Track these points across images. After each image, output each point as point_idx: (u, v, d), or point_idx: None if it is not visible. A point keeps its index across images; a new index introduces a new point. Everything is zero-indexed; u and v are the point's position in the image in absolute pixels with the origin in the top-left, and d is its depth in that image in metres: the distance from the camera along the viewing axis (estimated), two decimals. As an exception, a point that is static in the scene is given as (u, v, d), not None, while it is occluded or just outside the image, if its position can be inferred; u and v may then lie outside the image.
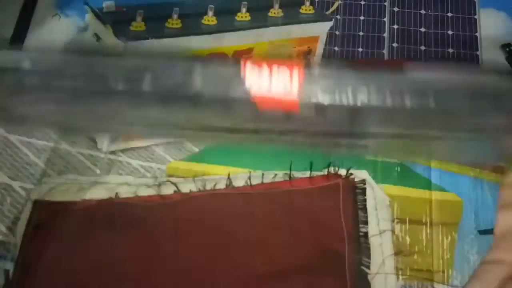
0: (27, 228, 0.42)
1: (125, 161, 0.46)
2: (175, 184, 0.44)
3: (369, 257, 0.41)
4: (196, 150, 0.46)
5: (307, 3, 0.52)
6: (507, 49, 0.49)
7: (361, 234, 0.42)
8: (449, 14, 0.51)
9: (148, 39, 0.49)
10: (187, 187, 0.44)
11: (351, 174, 0.44)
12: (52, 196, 0.44)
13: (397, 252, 0.42)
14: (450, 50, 0.49)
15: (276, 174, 0.44)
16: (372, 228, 0.42)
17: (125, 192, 0.44)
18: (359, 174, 0.44)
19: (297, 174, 0.44)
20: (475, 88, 0.29)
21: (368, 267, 0.41)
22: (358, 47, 0.50)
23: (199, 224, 0.42)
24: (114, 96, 0.30)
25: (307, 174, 0.44)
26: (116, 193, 0.43)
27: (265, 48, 0.49)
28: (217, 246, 0.42)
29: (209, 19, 0.51)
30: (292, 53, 0.50)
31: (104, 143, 0.46)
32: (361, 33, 0.50)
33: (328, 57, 0.49)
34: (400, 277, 0.41)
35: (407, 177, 0.45)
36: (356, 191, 0.43)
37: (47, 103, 0.34)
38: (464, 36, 0.50)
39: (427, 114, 0.30)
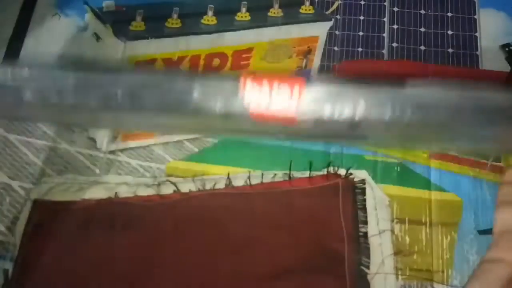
0: (27, 228, 0.42)
1: (125, 160, 0.46)
2: (174, 184, 0.44)
3: (368, 257, 0.41)
4: (196, 150, 0.46)
5: (307, 3, 0.52)
6: (507, 49, 0.49)
7: (361, 234, 0.42)
8: (449, 14, 0.51)
9: (148, 38, 0.49)
10: (186, 186, 0.44)
11: (351, 174, 0.44)
12: (51, 195, 0.44)
13: (397, 252, 0.42)
14: (450, 50, 0.49)
15: (275, 174, 0.44)
16: (371, 228, 0.42)
17: (124, 192, 0.44)
18: (359, 174, 0.44)
19: (296, 174, 0.44)
20: (475, 105, 0.29)
21: (368, 267, 0.41)
22: (358, 47, 0.50)
23: (199, 223, 0.42)
24: (113, 110, 0.30)
25: (306, 174, 0.44)
26: (116, 193, 0.43)
27: (265, 48, 0.49)
28: (216, 246, 0.42)
29: (209, 18, 0.51)
30: (291, 53, 0.50)
31: (103, 143, 0.46)
32: (361, 33, 0.50)
33: (328, 57, 0.49)
34: (400, 277, 0.41)
35: (406, 177, 0.45)
36: (356, 191, 0.43)
37: (45, 118, 0.34)
38: (464, 36, 0.50)
39: (426, 129, 0.30)
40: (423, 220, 0.43)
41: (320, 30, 0.50)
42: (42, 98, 0.31)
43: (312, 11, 0.51)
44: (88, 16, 0.51)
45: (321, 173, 0.44)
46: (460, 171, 0.45)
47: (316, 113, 0.28)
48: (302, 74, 0.49)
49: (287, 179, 0.44)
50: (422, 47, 0.50)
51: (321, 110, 0.28)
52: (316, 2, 0.52)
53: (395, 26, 0.51)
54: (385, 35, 0.50)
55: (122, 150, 0.46)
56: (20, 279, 0.41)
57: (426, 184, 0.44)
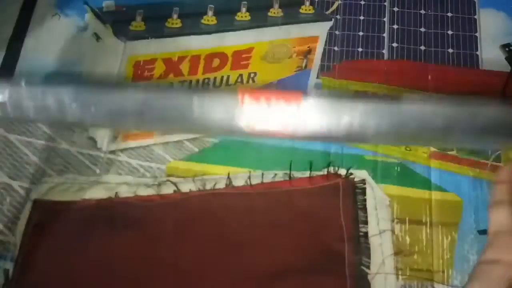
0: (27, 228, 0.42)
1: (125, 160, 0.46)
2: (174, 184, 0.44)
3: (369, 257, 0.41)
4: (196, 150, 0.46)
5: (307, 3, 0.52)
6: (507, 49, 0.49)
7: (361, 234, 0.42)
8: (449, 14, 0.51)
9: (148, 38, 0.49)
10: (186, 186, 0.44)
11: (351, 174, 0.44)
12: (51, 195, 0.44)
13: (397, 252, 0.42)
14: (450, 50, 0.49)
15: (276, 174, 0.44)
16: (372, 228, 0.42)
17: (124, 192, 0.44)
18: (359, 174, 0.44)
19: (297, 174, 0.44)
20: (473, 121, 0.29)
21: (368, 267, 0.41)
22: (358, 47, 0.50)
23: (199, 223, 0.42)
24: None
25: (307, 174, 0.44)
26: (116, 193, 0.43)
27: (265, 48, 0.49)
28: (217, 246, 0.42)
29: (209, 18, 0.51)
30: (291, 53, 0.50)
31: (103, 143, 0.46)
32: (361, 33, 0.50)
33: (328, 57, 0.49)
34: (400, 277, 0.41)
35: (407, 177, 0.45)
36: (356, 191, 0.43)
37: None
38: (464, 36, 0.50)
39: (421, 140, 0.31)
40: (424, 220, 0.43)
41: (320, 30, 0.50)
42: (46, 116, 0.31)
43: (312, 11, 0.51)
44: (88, 16, 0.51)
45: (321, 173, 0.44)
46: (460, 171, 0.45)
47: (313, 127, 0.29)
48: (302, 74, 0.49)
49: (288, 179, 0.44)
50: (422, 47, 0.50)
51: (317, 125, 0.28)
52: (316, 2, 0.52)
53: (395, 26, 0.51)
54: (385, 35, 0.50)
55: (122, 150, 0.46)
56: (20, 279, 0.41)
57: (426, 184, 0.44)
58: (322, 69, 0.49)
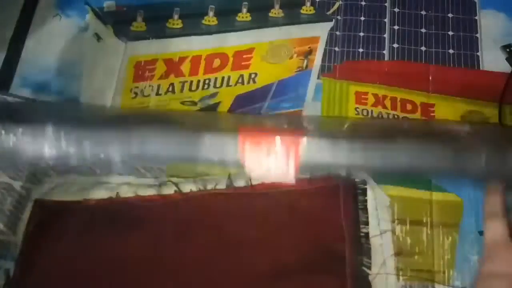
0: (28, 228, 0.43)
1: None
2: (175, 184, 0.44)
3: (369, 257, 0.41)
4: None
5: (308, 4, 0.52)
6: (508, 49, 0.49)
7: (362, 234, 0.42)
8: (450, 15, 0.51)
9: (149, 39, 0.49)
10: (187, 187, 0.44)
11: (352, 174, 0.44)
12: (52, 195, 0.44)
13: (398, 253, 0.42)
14: (451, 51, 0.49)
15: (276, 174, 0.44)
16: (372, 229, 0.42)
17: (125, 192, 0.44)
18: (360, 175, 0.44)
19: (297, 175, 0.44)
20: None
21: (369, 268, 0.41)
22: (359, 48, 0.50)
23: (200, 223, 0.42)
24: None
25: (307, 174, 0.44)
26: (117, 193, 0.43)
27: (265, 48, 0.49)
28: (217, 246, 0.42)
29: (210, 19, 0.51)
30: (292, 54, 0.50)
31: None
32: (361, 34, 0.50)
33: (328, 57, 0.49)
34: (401, 277, 0.41)
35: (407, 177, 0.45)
36: (357, 192, 0.43)
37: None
38: (465, 37, 0.50)
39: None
40: (424, 221, 0.43)
41: (321, 30, 0.51)
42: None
43: (313, 12, 0.51)
44: (89, 16, 0.51)
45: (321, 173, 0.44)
46: (461, 172, 0.45)
47: (312, 170, 0.30)
48: (303, 75, 0.49)
49: (288, 179, 0.44)
50: (423, 48, 0.50)
51: (317, 168, 0.30)
52: (317, 2, 0.52)
53: (396, 27, 0.51)
54: (386, 35, 0.50)
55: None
56: (21, 279, 0.41)
57: (427, 184, 0.44)
58: (323, 70, 0.49)
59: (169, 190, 0.44)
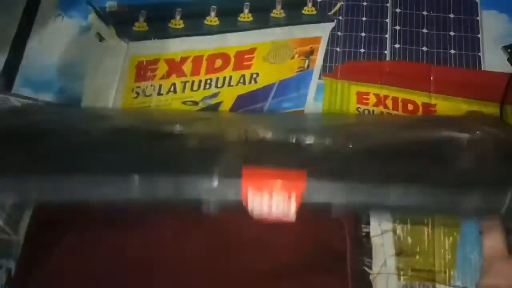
0: (29, 227, 0.43)
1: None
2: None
3: (370, 257, 0.41)
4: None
5: (309, 4, 0.52)
6: (509, 50, 0.49)
7: (363, 234, 0.42)
8: (451, 16, 0.51)
9: (151, 39, 0.49)
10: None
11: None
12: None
13: (399, 253, 0.42)
14: (452, 51, 0.49)
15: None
16: (373, 228, 0.42)
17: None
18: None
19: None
20: None
21: (370, 267, 0.41)
22: (360, 48, 0.50)
23: (200, 223, 0.42)
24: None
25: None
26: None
27: (267, 49, 0.50)
28: (218, 246, 0.42)
29: (212, 19, 0.51)
30: (294, 54, 0.50)
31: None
32: (363, 34, 0.50)
33: (330, 57, 0.49)
34: (402, 277, 0.41)
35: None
36: (358, 191, 0.43)
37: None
38: (466, 37, 0.50)
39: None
40: (425, 221, 0.43)
41: (322, 31, 0.51)
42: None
43: (314, 12, 0.52)
44: (91, 16, 0.51)
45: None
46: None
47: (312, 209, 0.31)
48: (305, 75, 0.49)
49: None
50: (425, 48, 0.50)
51: (317, 208, 0.30)
52: (318, 3, 0.52)
53: (397, 27, 0.51)
54: (387, 36, 0.50)
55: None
56: (23, 278, 0.41)
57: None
58: (324, 70, 0.49)
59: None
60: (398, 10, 0.52)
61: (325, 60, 0.50)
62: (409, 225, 0.43)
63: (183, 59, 0.49)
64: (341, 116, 0.47)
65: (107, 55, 0.49)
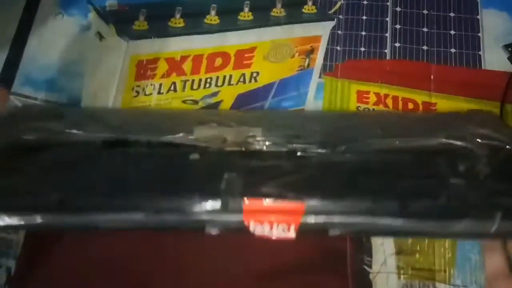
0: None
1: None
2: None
3: (370, 256, 0.41)
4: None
5: (310, 3, 0.52)
6: (510, 49, 0.49)
7: (363, 233, 0.42)
8: (452, 14, 0.51)
9: (151, 38, 0.49)
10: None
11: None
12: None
13: (399, 251, 0.42)
14: (453, 50, 0.49)
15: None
16: (373, 227, 0.42)
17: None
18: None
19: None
20: None
21: (370, 266, 0.41)
22: (361, 47, 0.50)
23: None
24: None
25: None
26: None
27: (267, 47, 0.50)
28: (218, 245, 0.41)
29: (212, 18, 0.51)
30: (294, 53, 0.50)
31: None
32: (363, 33, 0.50)
33: (330, 56, 0.49)
34: (402, 276, 0.41)
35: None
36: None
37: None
38: (467, 36, 0.50)
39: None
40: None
41: (322, 29, 0.51)
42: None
43: (314, 11, 0.52)
44: (91, 15, 0.51)
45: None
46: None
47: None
48: (305, 74, 0.49)
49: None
50: (425, 47, 0.50)
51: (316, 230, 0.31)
52: (318, 1, 0.52)
53: (397, 26, 0.51)
54: (387, 35, 0.50)
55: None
56: (22, 277, 0.41)
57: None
58: (325, 69, 0.49)
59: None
60: (398, 9, 0.52)
61: (325, 59, 0.50)
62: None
63: (183, 58, 0.49)
64: (340, 116, 0.47)
65: (107, 54, 0.49)
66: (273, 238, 0.32)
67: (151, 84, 0.48)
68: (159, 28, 0.50)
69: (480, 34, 0.50)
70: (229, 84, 0.49)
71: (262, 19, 0.51)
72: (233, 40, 0.50)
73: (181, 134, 0.38)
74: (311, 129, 0.40)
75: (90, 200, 0.33)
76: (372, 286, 0.41)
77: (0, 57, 0.49)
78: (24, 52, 0.50)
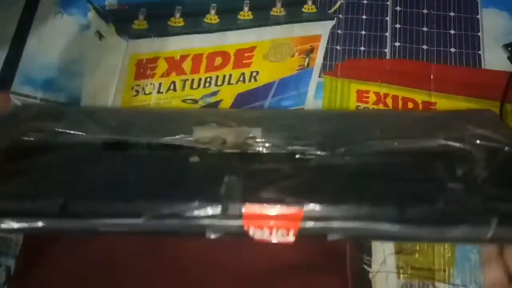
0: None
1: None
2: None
3: (370, 255, 0.41)
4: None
5: (310, 2, 0.52)
6: (510, 48, 0.49)
7: (363, 232, 0.42)
8: (452, 14, 0.51)
9: (150, 37, 0.49)
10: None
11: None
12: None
13: (399, 251, 0.42)
14: (453, 50, 0.49)
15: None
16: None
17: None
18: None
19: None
20: None
21: (370, 265, 0.41)
22: (360, 46, 0.50)
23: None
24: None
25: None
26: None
27: (267, 47, 0.50)
28: (218, 245, 0.41)
29: (212, 17, 0.51)
30: (294, 52, 0.50)
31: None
32: (363, 32, 0.50)
33: (330, 56, 0.49)
34: (401, 275, 0.41)
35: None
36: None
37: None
38: (467, 35, 0.50)
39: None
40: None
41: (322, 29, 0.51)
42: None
43: (314, 10, 0.52)
44: (91, 14, 0.51)
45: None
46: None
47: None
48: (304, 73, 0.49)
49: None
50: (425, 47, 0.50)
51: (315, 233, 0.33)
52: (318, 1, 0.52)
53: (397, 25, 0.51)
54: (387, 34, 0.50)
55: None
56: (22, 276, 0.41)
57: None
58: (324, 68, 0.49)
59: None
60: (398, 8, 0.52)
61: (325, 58, 0.50)
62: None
63: (183, 57, 0.49)
64: (339, 116, 0.47)
65: (106, 53, 0.49)
66: (272, 242, 0.32)
67: (151, 83, 0.48)
68: (159, 27, 0.50)
69: (480, 34, 0.50)
70: (229, 83, 0.49)
71: (262, 19, 0.51)
72: (232, 40, 0.50)
73: (180, 135, 0.38)
74: (311, 130, 0.40)
75: (90, 205, 0.33)
76: (371, 286, 0.41)
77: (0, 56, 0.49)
78: (24, 51, 0.50)
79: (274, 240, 0.32)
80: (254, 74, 0.49)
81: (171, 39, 0.50)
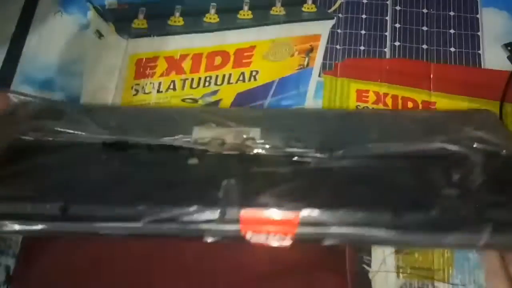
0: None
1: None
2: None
3: (370, 255, 0.41)
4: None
5: (309, 1, 0.52)
6: (509, 48, 0.49)
7: (362, 232, 0.42)
8: (451, 13, 0.51)
9: (150, 36, 0.49)
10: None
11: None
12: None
13: (398, 250, 0.42)
14: (452, 49, 0.49)
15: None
16: (373, 226, 0.42)
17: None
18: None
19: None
20: None
21: (369, 265, 0.41)
22: (360, 46, 0.50)
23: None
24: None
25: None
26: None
27: (267, 46, 0.49)
28: (217, 245, 0.41)
29: (211, 17, 0.51)
30: (293, 51, 0.50)
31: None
32: (363, 32, 0.50)
33: (330, 55, 0.49)
34: (401, 275, 0.41)
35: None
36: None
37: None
38: (466, 35, 0.50)
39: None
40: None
41: (322, 28, 0.51)
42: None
43: (314, 10, 0.51)
44: (91, 13, 0.51)
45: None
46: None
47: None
48: (304, 73, 0.49)
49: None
50: (425, 46, 0.50)
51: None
52: (318, 0, 0.52)
53: (397, 25, 0.51)
54: (387, 33, 0.50)
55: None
56: (21, 275, 0.41)
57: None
58: (324, 68, 0.49)
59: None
60: (398, 7, 0.52)
61: (325, 57, 0.50)
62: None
63: (183, 57, 0.49)
64: (339, 115, 0.47)
65: (106, 52, 0.49)
66: (269, 245, 0.33)
67: (151, 83, 0.48)
68: (159, 26, 0.50)
69: (479, 33, 0.50)
70: (229, 82, 0.49)
71: (262, 18, 0.51)
72: (232, 39, 0.50)
73: (179, 136, 0.38)
74: (310, 130, 0.40)
75: (90, 208, 0.33)
76: (371, 285, 0.41)
77: (-1, 55, 0.49)
78: (23, 50, 0.50)
79: (271, 243, 0.32)
80: (254, 73, 0.49)
81: (170, 39, 0.50)
